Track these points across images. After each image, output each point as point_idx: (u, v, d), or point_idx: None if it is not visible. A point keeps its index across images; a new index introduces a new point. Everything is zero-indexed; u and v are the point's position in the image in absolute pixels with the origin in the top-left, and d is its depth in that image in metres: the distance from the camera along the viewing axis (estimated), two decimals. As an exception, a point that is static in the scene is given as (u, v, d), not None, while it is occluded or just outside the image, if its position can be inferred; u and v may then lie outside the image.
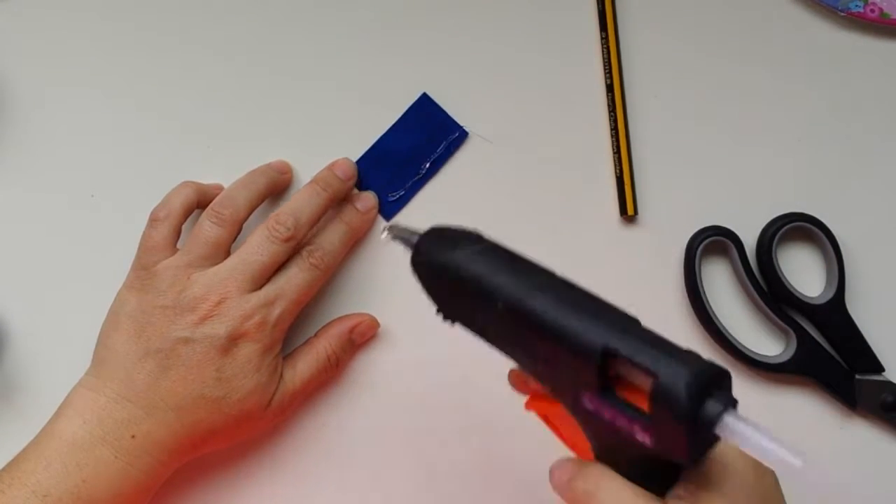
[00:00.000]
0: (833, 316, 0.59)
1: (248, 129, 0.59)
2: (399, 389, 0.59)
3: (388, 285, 0.59)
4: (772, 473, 0.42)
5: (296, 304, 0.52)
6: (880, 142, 0.62)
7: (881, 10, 0.60)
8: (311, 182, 0.55)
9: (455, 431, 0.59)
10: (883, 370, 0.59)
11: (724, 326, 0.58)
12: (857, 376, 0.59)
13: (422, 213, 0.58)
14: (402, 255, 0.57)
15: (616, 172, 0.60)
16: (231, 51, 0.60)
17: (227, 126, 0.59)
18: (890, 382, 0.58)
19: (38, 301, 0.58)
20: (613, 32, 0.61)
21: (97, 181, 0.58)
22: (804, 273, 0.61)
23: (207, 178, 0.56)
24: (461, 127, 0.58)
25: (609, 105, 0.60)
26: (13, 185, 0.59)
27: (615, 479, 0.41)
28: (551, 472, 0.42)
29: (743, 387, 0.59)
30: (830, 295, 0.59)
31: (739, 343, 0.58)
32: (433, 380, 0.59)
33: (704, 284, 0.58)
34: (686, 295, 0.59)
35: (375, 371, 0.59)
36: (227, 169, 0.56)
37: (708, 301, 0.58)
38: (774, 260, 0.59)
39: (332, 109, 0.60)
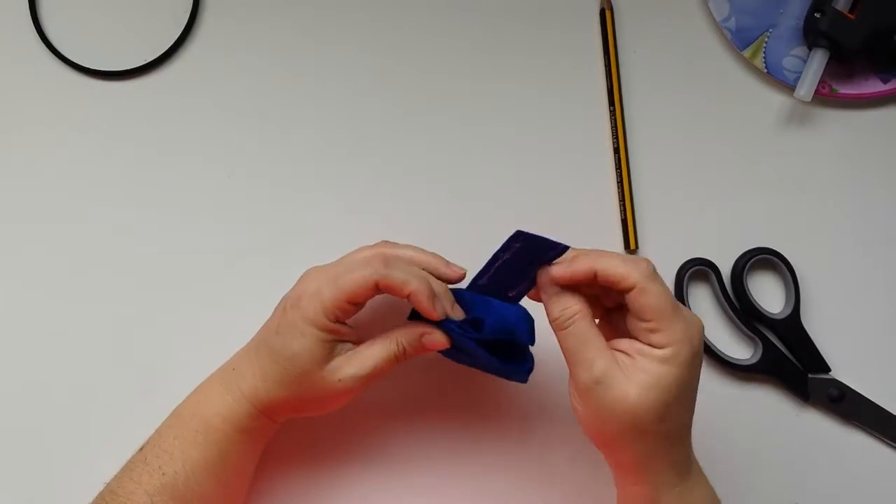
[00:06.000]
0: (790, 327, 0.63)
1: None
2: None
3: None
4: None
5: (345, 294, 0.51)
6: (829, 192, 0.66)
7: (831, 86, 0.66)
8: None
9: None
10: (829, 370, 0.63)
11: (705, 337, 0.61)
12: (810, 375, 0.63)
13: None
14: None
15: (621, 216, 0.65)
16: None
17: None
18: (835, 380, 0.63)
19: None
20: (619, 107, 0.65)
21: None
22: (768, 294, 0.65)
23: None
24: (562, 244, 0.52)
25: (616, 163, 0.65)
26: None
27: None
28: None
29: (719, 383, 0.63)
30: (789, 311, 0.63)
31: (717, 349, 0.63)
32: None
33: (690, 303, 0.64)
34: (676, 312, 0.63)
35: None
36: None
37: (693, 316, 0.62)
38: (745, 284, 0.63)
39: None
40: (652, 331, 0.48)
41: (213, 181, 0.66)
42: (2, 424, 0.63)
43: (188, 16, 0.67)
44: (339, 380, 0.52)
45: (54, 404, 0.63)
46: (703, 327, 0.50)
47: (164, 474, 0.52)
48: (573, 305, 0.50)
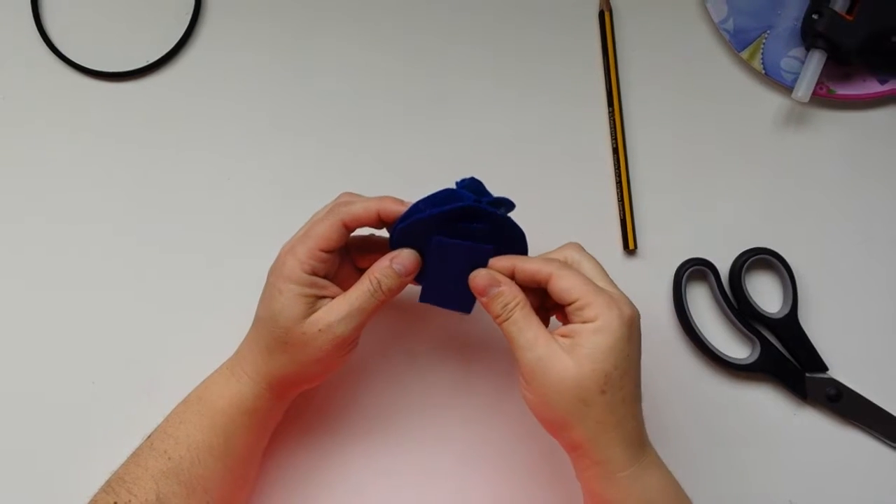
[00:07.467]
0: (788, 327, 0.64)
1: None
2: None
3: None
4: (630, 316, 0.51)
5: (316, 242, 0.53)
6: (827, 192, 0.67)
7: (829, 87, 0.67)
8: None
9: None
10: (827, 369, 0.64)
11: (704, 336, 0.64)
12: (807, 374, 0.63)
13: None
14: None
15: (620, 217, 0.66)
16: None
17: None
18: (833, 379, 0.64)
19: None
20: (618, 108, 0.66)
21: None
22: (766, 294, 0.65)
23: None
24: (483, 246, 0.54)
25: (615, 164, 0.66)
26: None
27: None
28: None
29: (717, 382, 0.64)
30: (786, 311, 0.64)
31: (716, 349, 0.64)
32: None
33: (689, 303, 0.64)
34: (674, 311, 0.64)
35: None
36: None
37: (691, 316, 0.64)
38: (743, 284, 0.64)
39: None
40: (579, 308, 0.51)
41: (215, 181, 0.67)
42: (1, 423, 0.64)
43: (190, 17, 0.68)
44: (319, 330, 0.53)
45: (54, 403, 0.64)
46: (635, 310, 0.52)
47: (169, 459, 0.53)
48: (508, 296, 0.52)
